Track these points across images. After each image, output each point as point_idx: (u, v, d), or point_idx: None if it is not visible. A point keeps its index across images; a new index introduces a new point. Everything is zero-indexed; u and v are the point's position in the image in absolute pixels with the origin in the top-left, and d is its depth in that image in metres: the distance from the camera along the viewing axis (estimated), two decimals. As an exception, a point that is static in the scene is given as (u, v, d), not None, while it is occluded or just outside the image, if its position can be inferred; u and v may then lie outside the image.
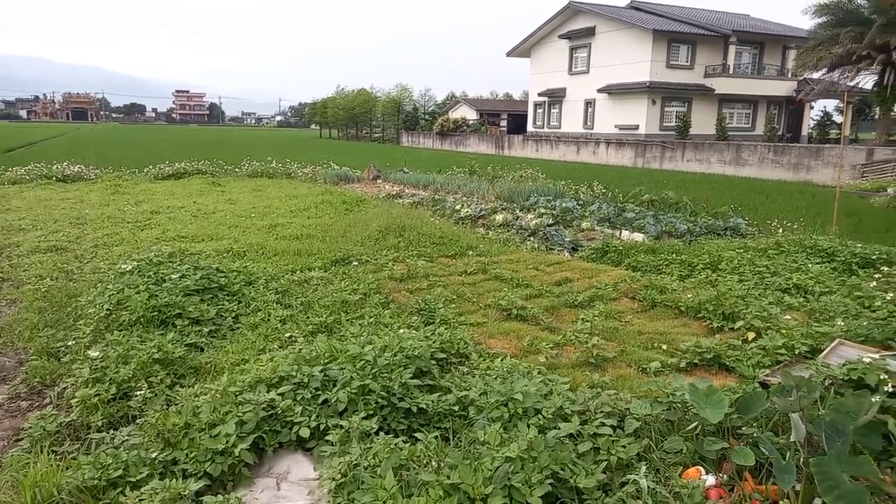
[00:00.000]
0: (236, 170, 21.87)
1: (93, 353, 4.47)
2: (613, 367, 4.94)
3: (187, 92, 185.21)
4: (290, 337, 5.18)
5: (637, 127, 35.17)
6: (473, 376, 4.37)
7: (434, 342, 4.84)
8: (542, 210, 13.13)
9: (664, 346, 5.33)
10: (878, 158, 22.48)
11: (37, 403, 4.36)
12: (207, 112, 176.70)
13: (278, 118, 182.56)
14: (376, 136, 71.06)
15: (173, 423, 3.46)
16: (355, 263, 8.02)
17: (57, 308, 6.30)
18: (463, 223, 12.35)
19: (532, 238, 10.82)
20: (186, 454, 3.28)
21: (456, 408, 3.85)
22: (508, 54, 46.84)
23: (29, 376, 4.69)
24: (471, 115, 58.29)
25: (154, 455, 3.26)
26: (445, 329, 5.34)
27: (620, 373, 4.81)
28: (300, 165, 23.19)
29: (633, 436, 3.38)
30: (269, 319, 5.72)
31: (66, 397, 4.20)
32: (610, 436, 3.29)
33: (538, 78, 44.05)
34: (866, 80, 28.67)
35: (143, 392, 4.03)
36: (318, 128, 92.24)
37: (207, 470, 3.19)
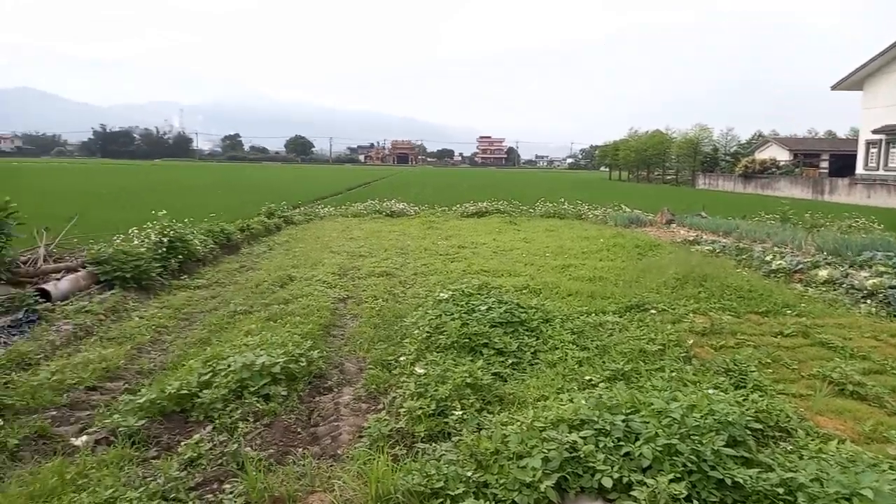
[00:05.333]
0: (530, 210, 23.03)
1: (419, 370, 5.09)
2: None
3: (489, 137, 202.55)
4: (590, 380, 5.19)
5: None
6: (801, 457, 3.81)
7: (748, 409, 4.37)
8: (882, 268, 10.97)
9: None
10: None
11: (373, 407, 5.10)
12: (505, 156, 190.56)
13: (569, 160, 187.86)
14: (669, 177, 68.19)
15: (485, 447, 3.72)
16: (652, 311, 7.72)
17: (387, 325, 7.36)
18: (775, 277, 11.02)
19: (868, 301, 9.10)
20: (496, 479, 3.49)
21: (780, 490, 3.39)
22: (834, 87, 40.91)
23: (367, 382, 5.54)
24: (781, 155, 52.18)
25: (469, 474, 3.54)
26: (760, 396, 4.79)
27: None
28: (591, 207, 23.39)
29: None
30: (566, 359, 5.83)
31: (396, 406, 4.84)
32: None
33: (873, 113, 37.45)
34: None
35: (458, 413, 4.43)
36: (607, 170, 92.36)
37: (515, 500, 3.34)
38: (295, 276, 10.24)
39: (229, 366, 5.22)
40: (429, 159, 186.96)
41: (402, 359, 5.85)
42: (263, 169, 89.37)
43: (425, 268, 11.34)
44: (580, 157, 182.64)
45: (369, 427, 4.48)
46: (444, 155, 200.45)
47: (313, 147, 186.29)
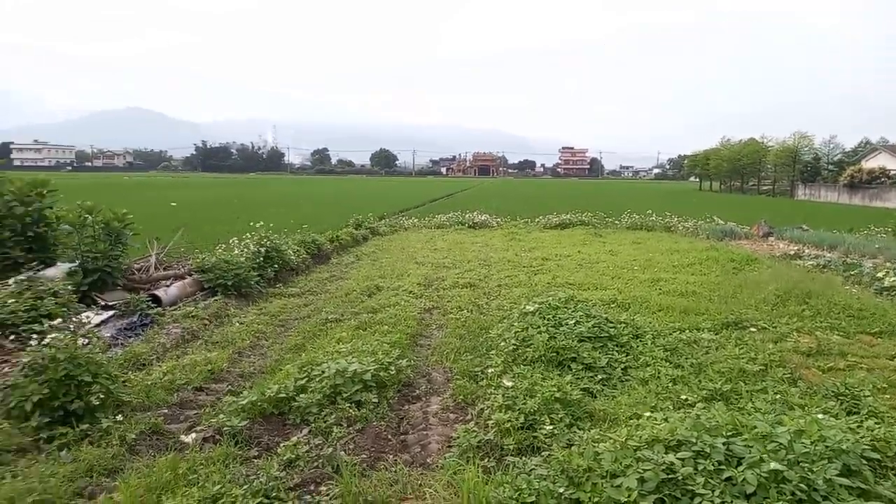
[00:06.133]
0: (616, 222, 22.48)
1: (507, 383, 5.09)
2: None
3: (572, 148, 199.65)
4: (685, 400, 5.00)
5: None
6: (926, 492, 3.50)
7: (863, 437, 4.06)
8: None
9: None
10: None
11: (461, 417, 5.14)
12: (588, 166, 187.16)
13: (655, 171, 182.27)
14: (765, 188, 64.76)
15: (577, 463, 3.66)
16: (752, 329, 7.34)
17: (473, 337, 7.39)
18: (888, 295, 10.19)
19: None
20: (590, 497, 3.42)
21: (903, 527, 3.13)
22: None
23: (455, 393, 5.58)
24: (893, 164, 48.34)
25: (561, 490, 3.49)
26: (876, 423, 4.44)
27: None
28: (680, 219, 22.54)
29: None
30: (658, 377, 5.65)
31: (484, 418, 4.85)
32: None
33: None
34: None
35: (548, 427, 4.38)
36: (696, 180, 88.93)
37: (610, 519, 3.26)
38: (382, 286, 10.50)
39: (323, 372, 5.42)
40: (510, 171, 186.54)
41: (489, 370, 5.86)
42: (350, 181, 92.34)
43: (509, 280, 11.31)
44: (667, 167, 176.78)
45: (458, 437, 4.51)
46: (526, 166, 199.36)
47: (397, 160, 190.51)
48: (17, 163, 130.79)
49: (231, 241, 11.55)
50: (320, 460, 4.19)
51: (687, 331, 7.28)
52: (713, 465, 3.66)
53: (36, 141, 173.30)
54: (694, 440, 3.86)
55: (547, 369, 5.68)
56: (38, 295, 6.95)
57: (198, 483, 3.81)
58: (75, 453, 4.25)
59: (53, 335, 4.94)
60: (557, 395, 4.92)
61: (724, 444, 3.83)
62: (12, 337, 5.96)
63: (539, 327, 6.51)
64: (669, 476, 3.57)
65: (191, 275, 9.75)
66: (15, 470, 4.01)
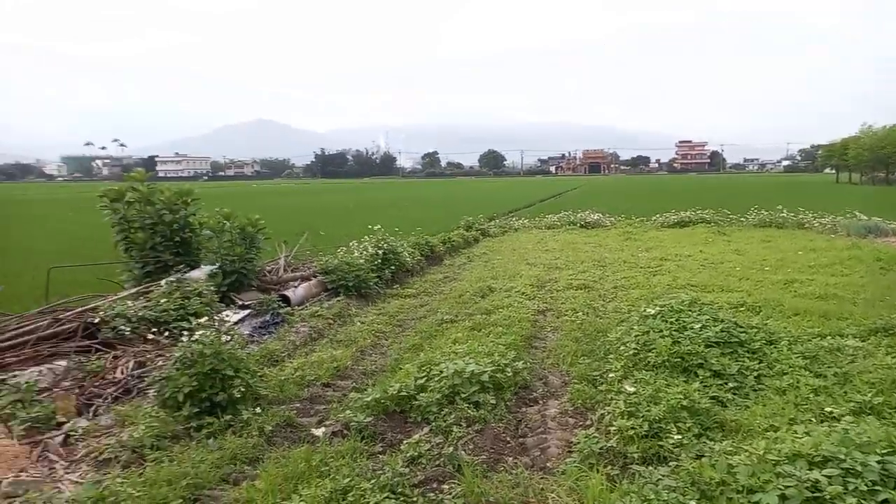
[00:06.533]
0: (741, 219, 21.11)
1: (629, 388, 4.93)
2: None
3: (690, 142, 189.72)
4: (830, 412, 4.60)
5: None
6: None
7: None
8: None
9: None
10: None
11: (580, 422, 5.05)
12: (708, 160, 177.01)
13: (785, 163, 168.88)
14: (917, 178, 58.00)
15: (709, 476, 3.49)
16: (908, 337, 6.62)
17: (589, 340, 7.24)
18: None
19: None
20: (724, 512, 3.25)
21: None
22: None
23: (573, 397, 5.50)
24: None
25: (691, 503, 3.34)
26: None
27: None
28: (815, 215, 20.71)
29: None
30: (797, 386, 5.23)
31: (605, 423, 4.73)
32: None
33: None
34: None
35: (675, 436, 4.21)
36: (833, 172, 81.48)
37: (747, 538, 3.08)
38: (494, 288, 10.54)
39: (441, 372, 5.53)
40: (622, 167, 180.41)
41: (609, 375, 5.71)
42: (459, 183, 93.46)
43: (626, 281, 10.96)
44: (798, 158, 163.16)
45: (579, 443, 4.44)
46: (640, 162, 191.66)
47: (505, 160, 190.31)
48: (161, 174, 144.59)
49: (350, 243, 12.09)
50: (442, 459, 4.28)
51: (829, 337, 6.68)
52: (866, 484, 3.35)
53: (177, 153, 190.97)
54: (842, 457, 3.56)
55: (671, 375, 5.44)
56: (185, 295, 7.66)
57: (329, 475, 4.03)
58: (221, 442, 4.64)
59: (200, 332, 5.41)
60: (684, 402, 4.70)
61: (878, 462, 3.49)
62: (166, 333, 6.60)
63: (661, 331, 6.25)
64: (815, 494, 3.32)
65: (315, 276, 10.32)
66: (171, 455, 4.45)
